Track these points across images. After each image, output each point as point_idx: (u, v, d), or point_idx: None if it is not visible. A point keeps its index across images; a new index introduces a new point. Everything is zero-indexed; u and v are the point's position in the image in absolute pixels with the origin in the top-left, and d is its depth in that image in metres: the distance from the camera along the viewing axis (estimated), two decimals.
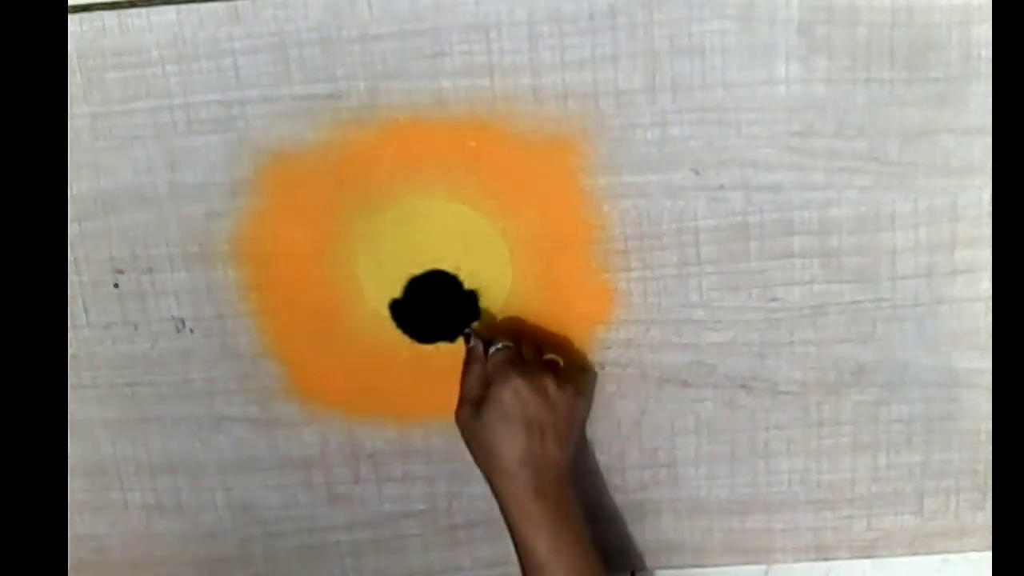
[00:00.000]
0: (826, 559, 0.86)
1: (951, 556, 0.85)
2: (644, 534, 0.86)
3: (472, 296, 0.80)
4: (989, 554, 0.84)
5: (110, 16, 0.74)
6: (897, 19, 0.72)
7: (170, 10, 0.74)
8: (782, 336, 0.80)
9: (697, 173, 0.76)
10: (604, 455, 0.83)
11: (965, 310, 0.79)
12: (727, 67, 0.74)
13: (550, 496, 0.75)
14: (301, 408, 0.83)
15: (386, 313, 0.80)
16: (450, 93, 0.75)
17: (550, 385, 0.76)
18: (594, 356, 0.81)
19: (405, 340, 0.81)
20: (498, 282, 0.79)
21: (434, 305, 0.80)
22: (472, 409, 0.76)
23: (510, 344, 0.77)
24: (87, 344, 0.82)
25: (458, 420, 0.77)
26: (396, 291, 0.80)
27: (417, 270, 0.79)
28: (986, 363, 0.79)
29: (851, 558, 0.86)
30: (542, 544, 0.74)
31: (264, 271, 0.80)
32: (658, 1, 0.72)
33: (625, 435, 0.83)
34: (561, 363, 0.79)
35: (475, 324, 0.79)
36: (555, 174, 0.76)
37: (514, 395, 0.75)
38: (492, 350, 0.77)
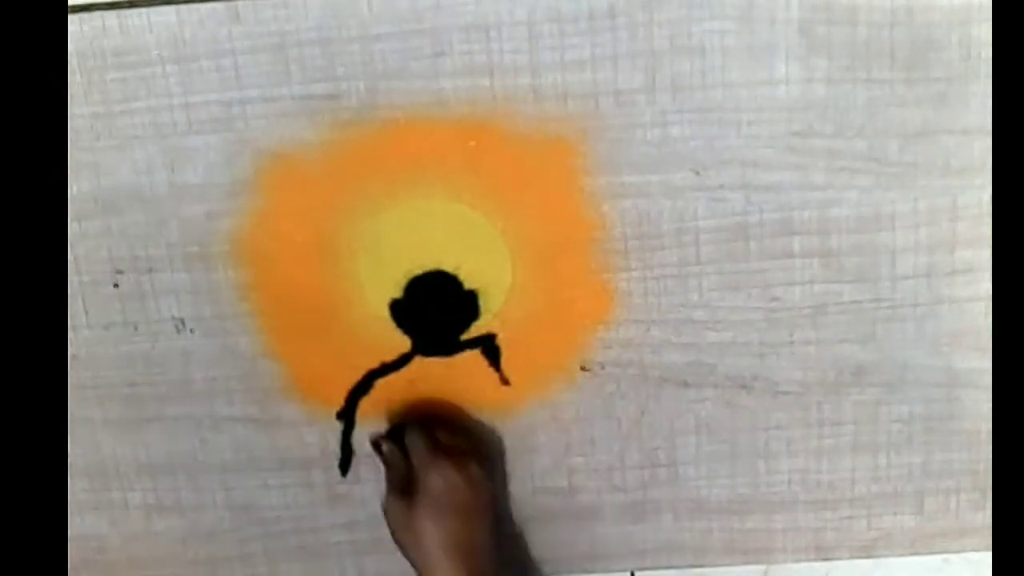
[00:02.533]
0: (826, 559, 0.86)
1: (951, 556, 0.85)
2: (644, 534, 0.86)
3: (472, 296, 0.80)
4: (989, 554, 0.84)
5: (110, 16, 0.74)
6: (897, 19, 0.72)
7: (170, 10, 0.74)
8: (782, 336, 0.80)
9: (697, 173, 0.76)
10: (604, 455, 0.83)
11: (965, 310, 0.79)
12: (727, 67, 0.74)
13: None
14: (301, 408, 0.83)
15: (386, 313, 0.80)
16: (450, 93, 0.75)
17: (473, 468, 0.77)
18: (594, 356, 0.81)
19: (405, 340, 0.81)
20: (498, 282, 0.79)
21: (434, 305, 0.80)
22: (400, 498, 0.77)
23: (424, 432, 0.78)
24: (87, 344, 0.82)
25: (386, 512, 0.78)
26: (396, 291, 0.80)
27: (417, 270, 0.79)
28: (986, 363, 0.79)
29: (851, 558, 0.86)
30: None
31: (264, 271, 0.80)
32: (658, 1, 0.73)
33: (625, 435, 0.83)
34: (470, 445, 0.79)
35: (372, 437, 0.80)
36: (555, 174, 0.76)
37: (442, 480, 0.76)
38: (409, 437, 0.78)
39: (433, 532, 0.75)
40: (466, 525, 0.76)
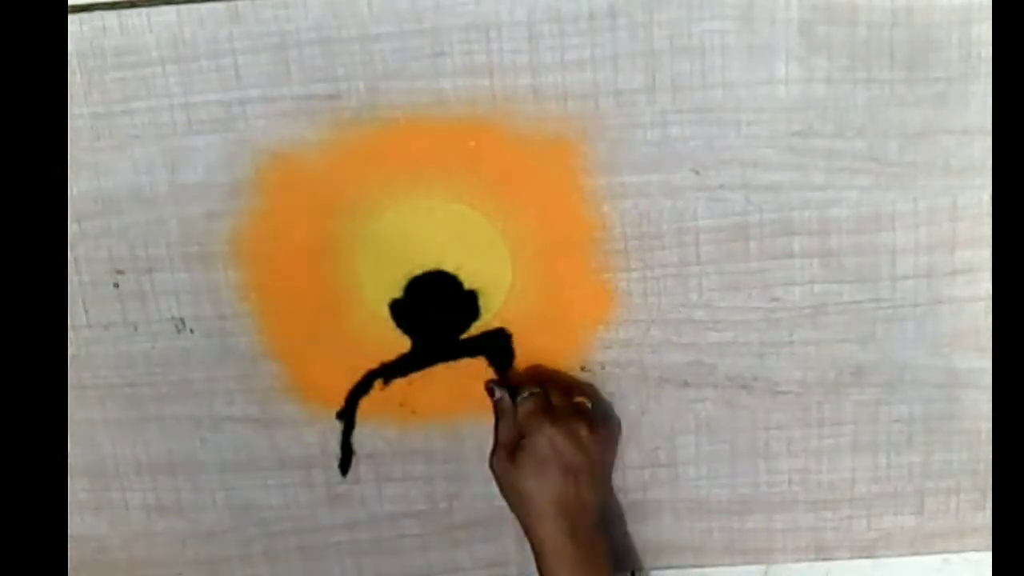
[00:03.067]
0: (826, 559, 0.86)
1: (951, 556, 0.85)
2: (644, 534, 0.86)
3: (472, 296, 0.80)
4: (989, 554, 0.84)
5: (110, 16, 0.74)
6: (897, 19, 0.72)
7: (170, 10, 0.74)
8: (782, 336, 0.80)
9: (697, 173, 0.76)
10: None
11: (965, 310, 0.79)
12: (727, 67, 0.74)
13: (584, 540, 0.75)
14: (301, 408, 0.83)
15: (386, 313, 0.80)
16: (450, 93, 0.75)
17: (582, 430, 0.77)
18: (594, 356, 0.81)
19: (405, 340, 0.81)
20: (498, 282, 0.79)
21: (434, 305, 0.80)
22: (507, 455, 0.77)
23: (537, 391, 0.78)
24: (87, 344, 0.82)
25: (492, 466, 0.78)
26: (396, 291, 0.80)
27: (417, 270, 0.79)
28: (986, 363, 0.79)
29: (851, 558, 0.86)
30: None
31: (264, 271, 0.80)
32: (658, 1, 0.73)
33: (625, 435, 0.83)
34: (589, 405, 0.80)
35: (497, 373, 0.80)
36: (555, 174, 0.76)
37: (548, 443, 0.76)
38: (520, 398, 0.78)
39: (535, 491, 0.75)
40: (571, 485, 0.76)
